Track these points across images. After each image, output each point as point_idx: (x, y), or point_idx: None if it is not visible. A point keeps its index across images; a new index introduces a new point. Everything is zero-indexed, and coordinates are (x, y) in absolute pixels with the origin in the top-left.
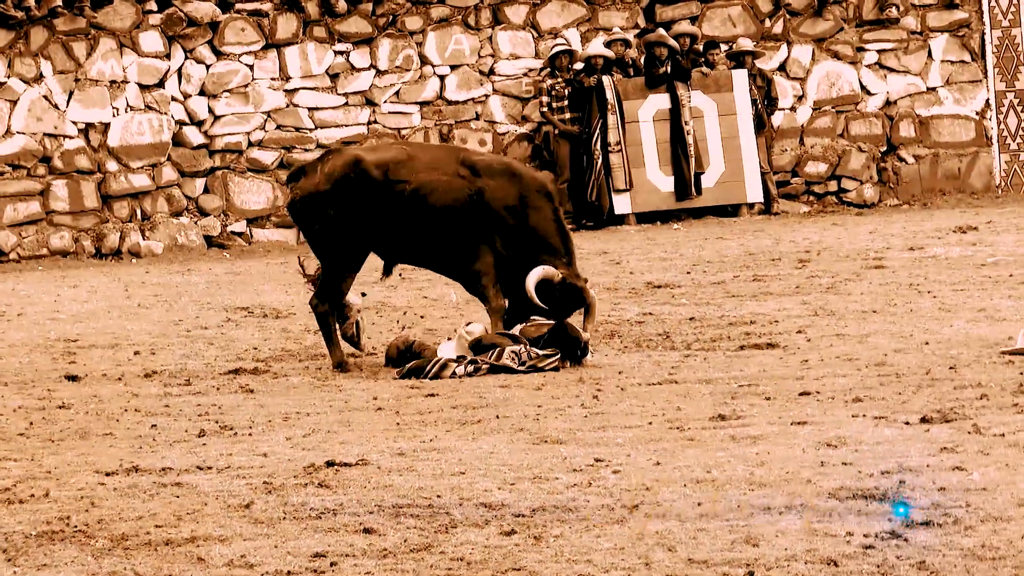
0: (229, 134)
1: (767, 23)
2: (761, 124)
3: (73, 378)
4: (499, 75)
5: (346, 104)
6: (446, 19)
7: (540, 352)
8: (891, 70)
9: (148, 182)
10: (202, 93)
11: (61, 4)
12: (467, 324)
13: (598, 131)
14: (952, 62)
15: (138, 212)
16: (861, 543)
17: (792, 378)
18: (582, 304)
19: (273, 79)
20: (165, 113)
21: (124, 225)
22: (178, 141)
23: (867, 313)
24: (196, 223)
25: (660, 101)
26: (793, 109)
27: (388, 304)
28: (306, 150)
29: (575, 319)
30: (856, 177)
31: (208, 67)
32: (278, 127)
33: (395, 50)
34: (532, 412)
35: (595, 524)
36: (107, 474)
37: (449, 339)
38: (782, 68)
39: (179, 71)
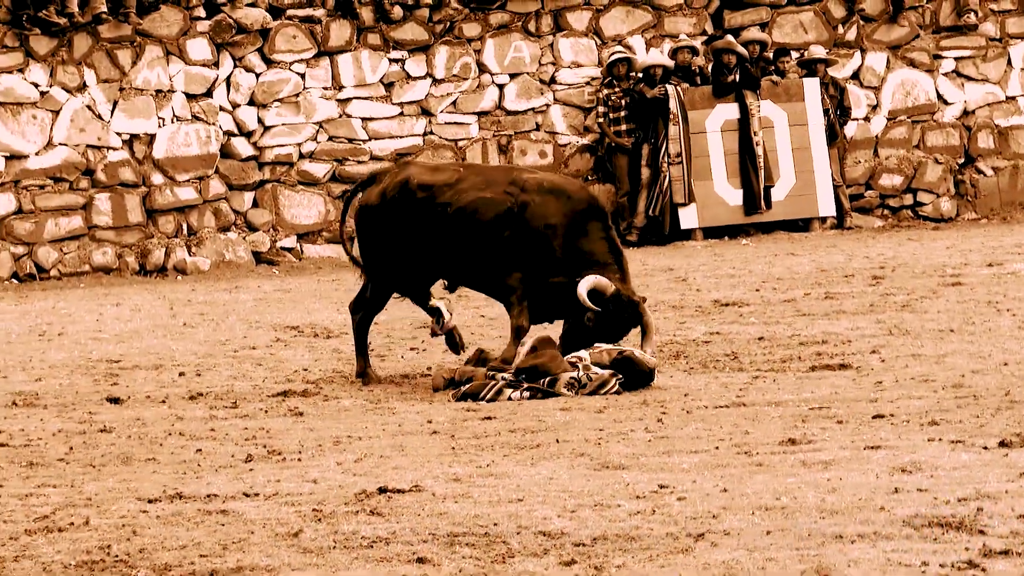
0: (279, 145)
1: (840, 29)
2: (833, 135)
3: (115, 400)
4: (560, 84)
5: (401, 114)
6: (505, 25)
7: (600, 372)
8: (969, 78)
9: (195, 196)
10: (251, 103)
11: (106, 10)
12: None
13: (664, 143)
14: None
15: (184, 227)
16: (937, 573)
17: (865, 400)
18: (637, 321)
19: (325, 88)
20: (213, 124)
21: (169, 241)
22: (226, 153)
23: (944, 332)
24: (244, 238)
25: (728, 111)
26: (867, 119)
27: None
28: (359, 162)
29: (631, 340)
30: (932, 190)
31: (258, 76)
32: (330, 138)
33: (452, 58)
34: (593, 436)
35: (659, 554)
36: (150, 501)
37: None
38: (855, 76)
39: (228, 80)
